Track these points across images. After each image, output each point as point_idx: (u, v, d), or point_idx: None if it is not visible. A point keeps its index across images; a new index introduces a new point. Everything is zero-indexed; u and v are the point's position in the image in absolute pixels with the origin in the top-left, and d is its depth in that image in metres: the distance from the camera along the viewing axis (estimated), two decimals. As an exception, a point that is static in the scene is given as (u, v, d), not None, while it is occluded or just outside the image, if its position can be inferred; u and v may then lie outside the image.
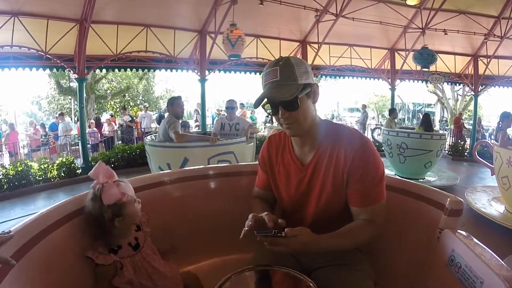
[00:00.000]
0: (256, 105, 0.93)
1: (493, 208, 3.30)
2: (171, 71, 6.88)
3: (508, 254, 1.86)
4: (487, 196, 3.70)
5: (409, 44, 7.12)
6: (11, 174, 4.75)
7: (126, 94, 15.47)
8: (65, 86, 12.72)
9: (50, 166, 5.33)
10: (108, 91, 14.20)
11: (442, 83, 8.39)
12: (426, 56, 6.02)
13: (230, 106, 3.82)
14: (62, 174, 5.37)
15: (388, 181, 1.08)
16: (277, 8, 5.58)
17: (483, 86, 7.88)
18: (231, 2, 4.83)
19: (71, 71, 5.63)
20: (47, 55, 5.22)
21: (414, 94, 19.67)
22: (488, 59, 7.13)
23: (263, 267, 0.86)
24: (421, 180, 4.91)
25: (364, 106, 10.99)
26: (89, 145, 7.67)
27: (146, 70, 8.30)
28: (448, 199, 0.92)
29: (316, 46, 7.05)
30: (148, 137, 4.41)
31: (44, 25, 5.05)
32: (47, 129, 8.13)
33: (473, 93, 7.96)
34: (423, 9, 6.00)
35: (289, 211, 1.07)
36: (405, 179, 1.20)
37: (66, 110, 13.35)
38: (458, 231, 0.89)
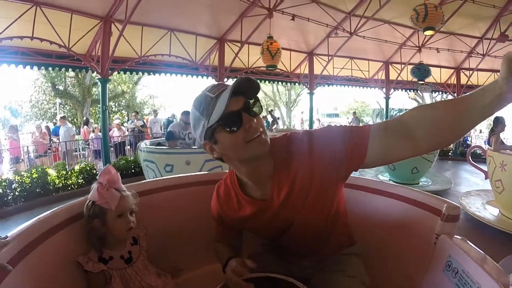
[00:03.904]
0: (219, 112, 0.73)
1: (488, 212, 3.34)
2: (198, 77, 6.93)
3: (503, 256, 1.88)
4: (481, 199, 3.74)
5: (403, 59, 8.02)
6: (26, 182, 4.39)
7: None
8: (61, 88, 11.89)
9: (70, 172, 5.09)
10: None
11: (429, 92, 9.42)
12: (423, 71, 6.93)
13: (188, 121, 3.72)
14: (82, 181, 5.08)
15: (385, 187, 1.13)
16: (288, 22, 5.85)
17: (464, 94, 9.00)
18: (266, 15, 5.13)
19: (94, 71, 5.42)
20: (70, 51, 4.93)
21: (395, 100, 20.87)
22: (471, 72, 8.25)
23: (258, 274, 0.83)
24: (415, 184, 4.92)
25: (355, 113, 11.85)
26: (92, 151, 7.33)
27: (140, 74, 8.04)
28: (445, 205, 0.92)
29: (321, 57, 7.76)
30: (147, 142, 4.12)
31: (66, 19, 4.74)
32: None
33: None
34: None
35: (272, 239, 1.05)
36: (400, 185, 1.20)
37: (51, 115, 12.51)
38: (455, 236, 0.88)
